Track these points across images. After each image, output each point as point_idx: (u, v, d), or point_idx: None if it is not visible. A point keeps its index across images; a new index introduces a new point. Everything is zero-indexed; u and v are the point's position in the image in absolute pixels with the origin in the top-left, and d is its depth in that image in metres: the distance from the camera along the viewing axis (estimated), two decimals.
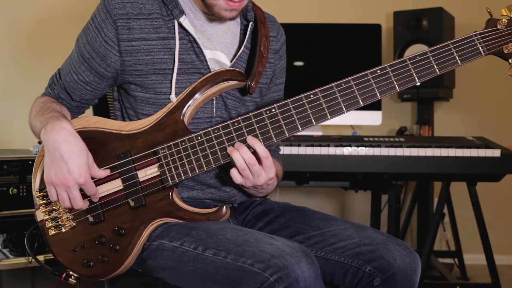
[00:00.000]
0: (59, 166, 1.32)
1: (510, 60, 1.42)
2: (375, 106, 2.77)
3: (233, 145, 1.37)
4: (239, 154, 1.34)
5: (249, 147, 1.35)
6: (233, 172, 1.36)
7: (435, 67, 1.38)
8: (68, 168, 1.32)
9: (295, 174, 2.46)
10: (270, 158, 1.36)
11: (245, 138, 1.37)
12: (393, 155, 2.33)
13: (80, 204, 1.35)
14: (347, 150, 2.33)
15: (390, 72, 1.38)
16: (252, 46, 1.51)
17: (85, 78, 1.45)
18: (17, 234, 2.27)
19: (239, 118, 1.38)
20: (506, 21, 1.40)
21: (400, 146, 2.34)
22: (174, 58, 1.41)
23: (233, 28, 1.52)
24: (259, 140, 1.36)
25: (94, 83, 1.46)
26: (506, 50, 1.40)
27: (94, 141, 1.40)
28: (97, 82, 1.46)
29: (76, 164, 1.32)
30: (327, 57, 2.90)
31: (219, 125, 1.38)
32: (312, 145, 2.33)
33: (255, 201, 1.59)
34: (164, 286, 1.38)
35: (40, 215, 1.42)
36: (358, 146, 2.33)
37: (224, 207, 1.41)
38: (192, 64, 1.43)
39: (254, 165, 1.35)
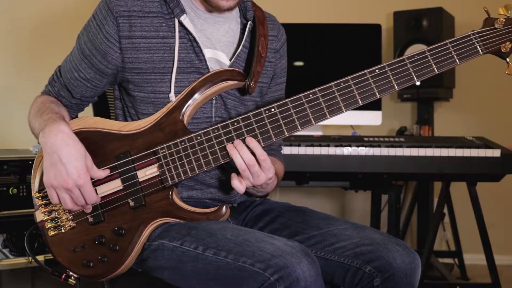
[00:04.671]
0: (58, 169, 1.32)
1: (507, 59, 1.42)
2: (375, 106, 2.77)
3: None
4: (239, 155, 1.35)
5: (248, 147, 1.36)
6: (233, 177, 1.37)
7: (434, 66, 1.39)
8: (67, 170, 1.32)
9: (295, 174, 2.46)
10: (268, 160, 1.37)
11: (245, 138, 1.37)
12: (393, 155, 2.33)
13: (83, 201, 1.35)
14: (347, 150, 2.33)
15: (389, 72, 1.38)
16: (251, 46, 1.52)
17: (86, 75, 1.45)
18: (17, 234, 2.27)
19: (239, 117, 1.38)
20: (504, 20, 1.41)
21: (400, 146, 2.34)
22: (173, 57, 1.42)
23: (233, 27, 1.52)
24: (259, 141, 1.37)
25: (95, 80, 1.46)
26: (504, 49, 1.41)
27: (93, 142, 1.40)
28: (97, 79, 1.46)
29: (74, 167, 1.32)
30: (327, 57, 2.90)
31: (219, 125, 1.38)
32: (312, 145, 2.33)
33: (255, 201, 1.59)
34: (164, 286, 1.38)
35: (39, 215, 1.42)
36: (358, 146, 2.33)
37: (224, 207, 1.41)
38: (191, 63, 1.43)
39: (253, 166, 1.35)
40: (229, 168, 1.51)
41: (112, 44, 1.40)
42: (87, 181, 1.34)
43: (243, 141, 1.37)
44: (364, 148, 2.33)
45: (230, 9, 1.44)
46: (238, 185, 1.37)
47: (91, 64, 1.44)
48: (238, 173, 1.53)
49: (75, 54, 1.47)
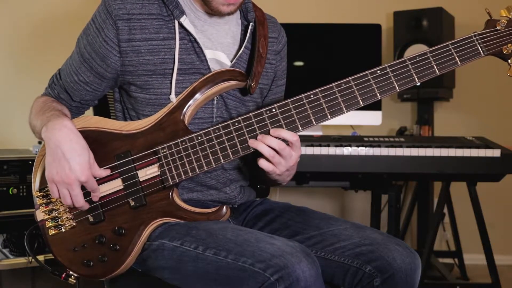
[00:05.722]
0: (60, 164, 1.32)
1: (509, 61, 1.42)
2: (375, 106, 2.77)
3: (234, 145, 1.37)
4: (264, 144, 1.35)
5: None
6: (262, 162, 1.37)
7: (435, 67, 1.39)
8: (70, 166, 1.32)
9: (295, 174, 2.45)
10: (298, 138, 1.38)
11: (268, 129, 1.37)
12: (393, 155, 2.33)
13: (82, 202, 1.35)
14: (347, 150, 2.33)
15: (390, 73, 1.38)
16: (252, 47, 1.51)
17: (85, 78, 1.45)
18: (17, 234, 2.27)
19: (240, 118, 1.38)
20: (506, 22, 1.41)
21: (400, 146, 2.34)
22: (174, 58, 1.42)
23: (233, 28, 1.52)
24: (282, 127, 1.37)
25: (94, 84, 1.46)
26: (506, 51, 1.41)
27: (94, 141, 1.40)
28: (97, 82, 1.46)
29: (77, 162, 1.32)
30: (327, 57, 2.90)
31: (220, 125, 1.38)
32: (312, 145, 2.33)
33: (255, 201, 1.59)
34: (164, 286, 1.38)
35: (40, 215, 1.42)
36: (358, 146, 2.33)
37: (224, 207, 1.41)
38: (192, 64, 1.43)
39: (284, 149, 1.36)
40: (230, 169, 1.51)
41: (112, 48, 1.40)
42: (90, 177, 1.34)
43: (267, 133, 1.37)
44: (364, 148, 2.33)
45: (230, 13, 1.44)
46: (267, 164, 1.37)
47: (91, 67, 1.44)
48: (238, 174, 1.54)
49: (74, 58, 1.47)
